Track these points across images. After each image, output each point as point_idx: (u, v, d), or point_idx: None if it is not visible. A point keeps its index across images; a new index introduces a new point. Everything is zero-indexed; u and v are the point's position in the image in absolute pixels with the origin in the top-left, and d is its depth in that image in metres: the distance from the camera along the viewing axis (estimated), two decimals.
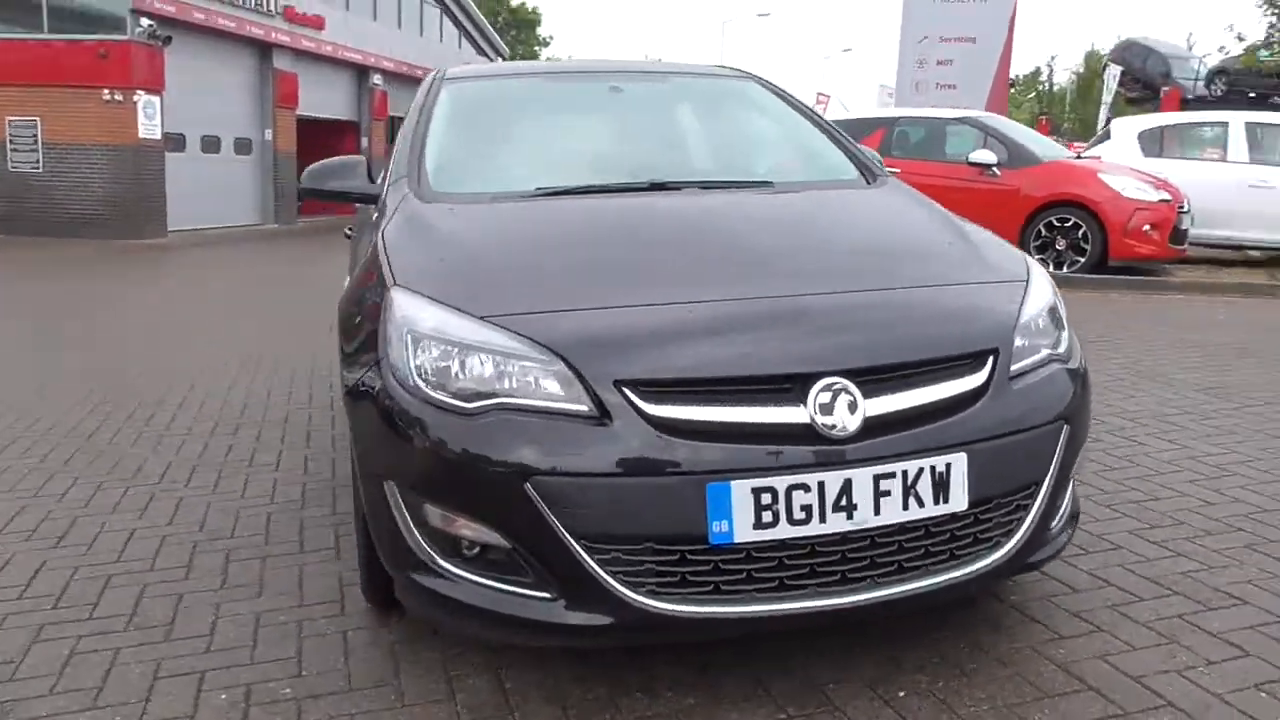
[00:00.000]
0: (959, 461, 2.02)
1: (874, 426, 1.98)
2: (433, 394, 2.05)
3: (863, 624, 2.42)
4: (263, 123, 20.75)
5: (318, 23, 22.21)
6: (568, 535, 1.93)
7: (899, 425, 2.01)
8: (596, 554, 1.93)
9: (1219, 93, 20.35)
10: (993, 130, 9.80)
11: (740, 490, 1.91)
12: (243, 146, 20.30)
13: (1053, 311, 2.39)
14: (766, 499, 1.92)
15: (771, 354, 2.03)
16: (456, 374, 2.06)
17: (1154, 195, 8.74)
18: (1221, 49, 22.85)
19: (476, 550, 2.06)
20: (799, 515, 1.94)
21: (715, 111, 3.72)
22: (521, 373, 2.01)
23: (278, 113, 20.88)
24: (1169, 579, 2.75)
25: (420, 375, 2.08)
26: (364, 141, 25.06)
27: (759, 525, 1.93)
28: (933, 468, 2.00)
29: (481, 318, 2.10)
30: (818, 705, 2.14)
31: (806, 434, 1.95)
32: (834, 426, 1.96)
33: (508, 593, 2.02)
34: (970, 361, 2.13)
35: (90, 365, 6.10)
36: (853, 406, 1.98)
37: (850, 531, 1.98)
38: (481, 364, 2.04)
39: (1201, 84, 21.36)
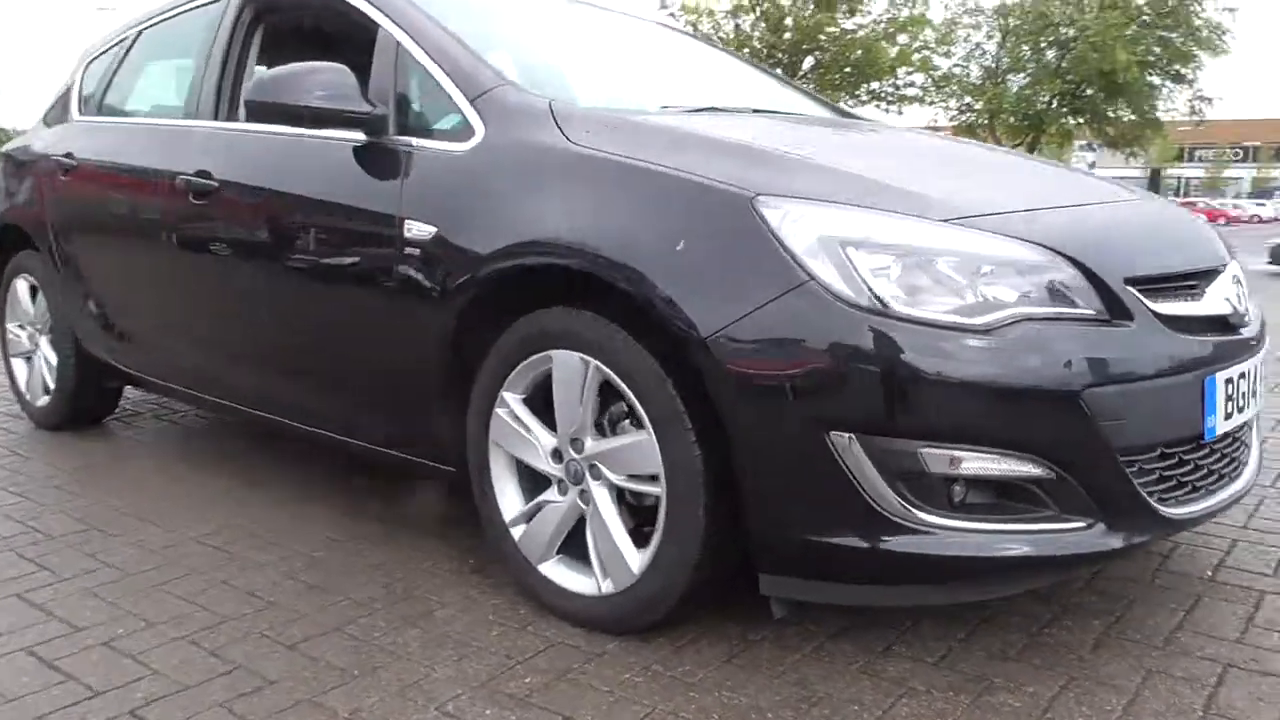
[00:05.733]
0: None
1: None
2: (922, 314, 1.67)
3: None
4: None
5: None
6: (1113, 449, 1.72)
7: None
8: (1129, 466, 1.76)
9: None
10: None
11: (1220, 382, 1.90)
12: None
13: None
14: (1230, 390, 1.92)
15: (1202, 251, 2.03)
16: (932, 286, 1.71)
17: None
18: None
19: (966, 493, 1.73)
20: (1241, 404, 1.98)
21: (679, 48, 3.47)
22: (1023, 278, 1.74)
23: None
24: None
25: (892, 294, 1.68)
26: None
27: (1226, 417, 1.92)
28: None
29: (944, 220, 1.77)
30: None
31: (1229, 325, 1.99)
32: (1245, 315, 2.03)
33: (1020, 533, 1.74)
34: None
35: None
36: (1244, 298, 2.06)
37: (1245, 421, 2.06)
38: (960, 271, 1.72)
39: None
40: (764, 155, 1.98)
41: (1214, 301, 1.95)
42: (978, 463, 1.70)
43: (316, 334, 2.54)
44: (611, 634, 2.03)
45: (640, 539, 1.97)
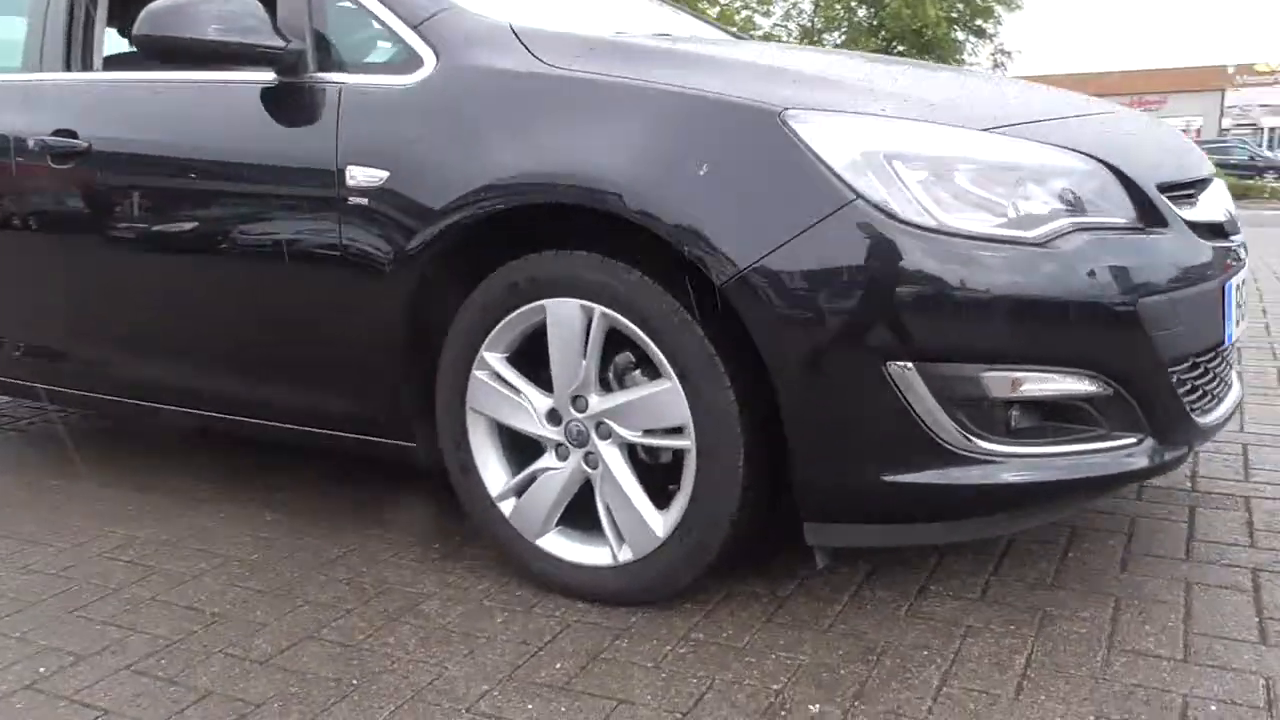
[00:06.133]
0: None
1: None
2: (977, 229, 1.57)
3: None
4: None
5: None
6: (1163, 360, 1.68)
7: None
8: (1173, 377, 1.72)
9: None
10: None
11: (1234, 288, 1.89)
12: None
13: None
14: (1235, 296, 1.92)
15: (1198, 159, 2.01)
16: (984, 199, 1.60)
17: None
18: None
19: (1022, 417, 1.65)
20: (1244, 309, 1.99)
21: None
22: (1072, 187, 1.65)
23: None
24: None
25: (944, 209, 1.57)
26: None
27: (1237, 323, 1.93)
28: None
29: (985, 130, 1.66)
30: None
31: (1225, 232, 1.98)
32: (1236, 222, 2.03)
33: (1075, 454, 1.67)
34: None
35: None
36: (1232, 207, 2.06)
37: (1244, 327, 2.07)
38: (1011, 182, 1.63)
39: None
40: (775, 71, 1.83)
41: (1213, 209, 1.94)
42: (1037, 384, 1.61)
43: (239, 311, 2.20)
44: (630, 606, 1.84)
45: (655, 501, 1.79)
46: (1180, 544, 2.02)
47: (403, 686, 1.62)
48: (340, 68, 2.05)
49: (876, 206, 1.54)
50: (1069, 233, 1.60)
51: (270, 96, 2.08)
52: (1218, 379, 1.92)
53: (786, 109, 1.61)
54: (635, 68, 1.78)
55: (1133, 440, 1.68)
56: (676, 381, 1.68)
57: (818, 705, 1.50)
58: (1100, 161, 1.68)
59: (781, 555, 1.97)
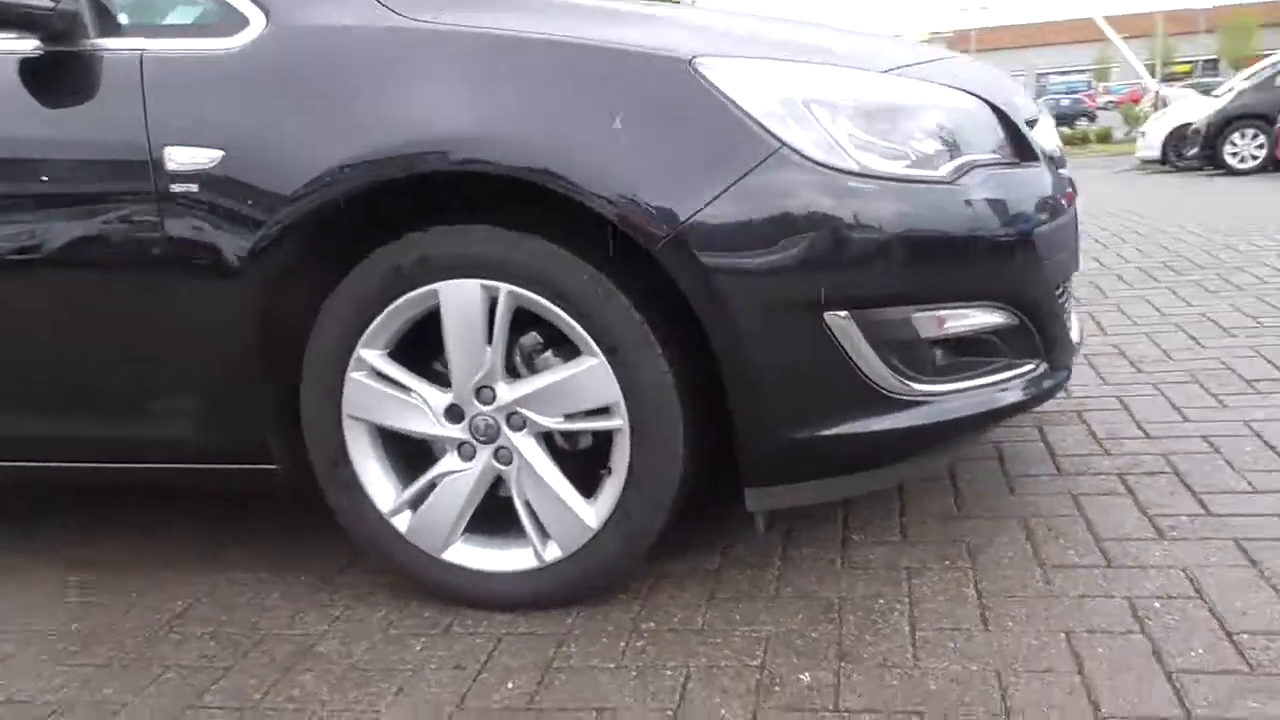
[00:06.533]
0: None
1: None
2: (896, 170, 1.57)
3: None
4: None
5: None
6: (1052, 287, 1.77)
7: None
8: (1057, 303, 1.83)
9: None
10: None
11: (1078, 215, 2.02)
12: None
13: None
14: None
15: (1027, 99, 2.11)
16: (895, 140, 1.61)
17: None
18: None
19: (943, 355, 1.68)
20: None
21: None
22: (966, 125, 1.69)
23: None
24: None
25: (865, 153, 1.55)
26: None
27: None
28: None
29: (884, 71, 1.66)
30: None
31: (1059, 164, 2.11)
32: (1065, 157, 2.18)
33: (988, 385, 1.72)
34: None
35: None
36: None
37: None
38: (918, 122, 1.64)
39: None
40: (669, 20, 1.72)
41: (1048, 143, 2.05)
42: (959, 320, 1.63)
43: (30, 339, 1.81)
44: (556, 608, 1.70)
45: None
46: (1047, 461, 2.15)
47: None
48: (131, 31, 1.72)
49: (800, 153, 1.49)
50: (970, 169, 1.62)
51: (35, 69, 1.71)
52: (1070, 300, 2.05)
53: (695, 56, 1.52)
54: (511, 19, 1.61)
55: (1031, 365, 1.75)
56: (603, 358, 1.55)
57: (808, 674, 1.44)
58: (983, 100, 1.72)
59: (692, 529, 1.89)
